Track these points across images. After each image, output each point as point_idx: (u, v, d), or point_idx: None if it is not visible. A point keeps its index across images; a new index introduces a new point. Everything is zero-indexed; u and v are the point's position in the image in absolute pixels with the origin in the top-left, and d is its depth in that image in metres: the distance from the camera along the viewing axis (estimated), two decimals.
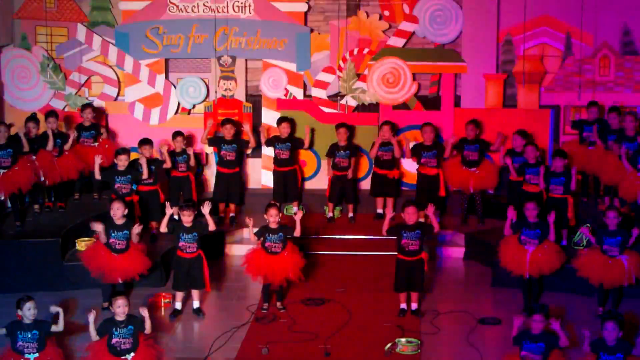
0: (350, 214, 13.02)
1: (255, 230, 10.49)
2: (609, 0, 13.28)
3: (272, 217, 10.43)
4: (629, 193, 11.37)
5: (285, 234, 10.48)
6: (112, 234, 10.36)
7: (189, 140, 13.31)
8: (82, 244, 11.59)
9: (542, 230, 10.41)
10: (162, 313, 10.53)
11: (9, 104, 13.99)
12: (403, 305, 10.36)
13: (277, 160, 13.01)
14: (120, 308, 8.67)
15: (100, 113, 13.63)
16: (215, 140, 12.99)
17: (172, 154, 12.69)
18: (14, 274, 11.13)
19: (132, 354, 8.68)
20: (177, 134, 12.74)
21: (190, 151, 12.61)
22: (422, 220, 10.48)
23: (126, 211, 10.44)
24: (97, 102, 13.86)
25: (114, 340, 8.63)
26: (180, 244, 10.35)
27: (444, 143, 12.87)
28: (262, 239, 10.46)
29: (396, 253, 10.33)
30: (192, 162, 12.66)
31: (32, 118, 12.44)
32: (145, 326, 8.81)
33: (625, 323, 8.64)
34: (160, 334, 9.72)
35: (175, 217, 11.31)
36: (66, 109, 13.90)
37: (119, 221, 10.38)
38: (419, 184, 12.76)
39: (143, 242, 10.81)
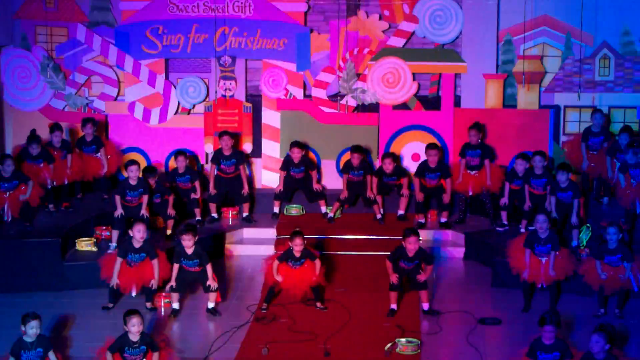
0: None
1: (279, 255, 10.57)
2: (609, 0, 13.27)
3: (297, 247, 10.42)
4: (624, 200, 11.56)
5: (308, 259, 10.54)
6: (129, 255, 10.46)
7: (191, 160, 13.34)
8: (82, 244, 11.61)
9: (552, 244, 10.46)
10: (162, 313, 10.53)
11: (9, 104, 13.99)
12: (393, 306, 10.35)
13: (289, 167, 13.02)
14: (135, 327, 8.66)
15: (100, 125, 13.56)
16: (216, 158, 12.94)
17: (174, 172, 12.73)
18: (14, 274, 11.13)
19: None
20: (178, 154, 12.74)
21: (197, 185, 12.64)
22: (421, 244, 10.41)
23: (146, 235, 10.48)
24: (97, 103, 13.91)
25: (125, 355, 8.69)
26: (182, 265, 10.43)
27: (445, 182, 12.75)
28: (283, 262, 10.54)
29: None
30: (197, 187, 12.68)
31: (33, 137, 12.43)
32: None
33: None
34: (160, 334, 9.75)
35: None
36: (66, 109, 13.90)
37: (137, 244, 10.45)
38: (423, 190, 12.72)
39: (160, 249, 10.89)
